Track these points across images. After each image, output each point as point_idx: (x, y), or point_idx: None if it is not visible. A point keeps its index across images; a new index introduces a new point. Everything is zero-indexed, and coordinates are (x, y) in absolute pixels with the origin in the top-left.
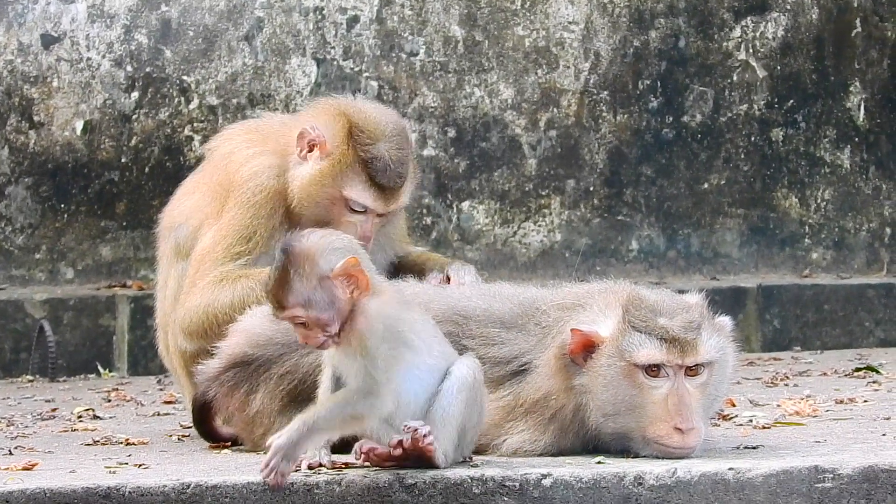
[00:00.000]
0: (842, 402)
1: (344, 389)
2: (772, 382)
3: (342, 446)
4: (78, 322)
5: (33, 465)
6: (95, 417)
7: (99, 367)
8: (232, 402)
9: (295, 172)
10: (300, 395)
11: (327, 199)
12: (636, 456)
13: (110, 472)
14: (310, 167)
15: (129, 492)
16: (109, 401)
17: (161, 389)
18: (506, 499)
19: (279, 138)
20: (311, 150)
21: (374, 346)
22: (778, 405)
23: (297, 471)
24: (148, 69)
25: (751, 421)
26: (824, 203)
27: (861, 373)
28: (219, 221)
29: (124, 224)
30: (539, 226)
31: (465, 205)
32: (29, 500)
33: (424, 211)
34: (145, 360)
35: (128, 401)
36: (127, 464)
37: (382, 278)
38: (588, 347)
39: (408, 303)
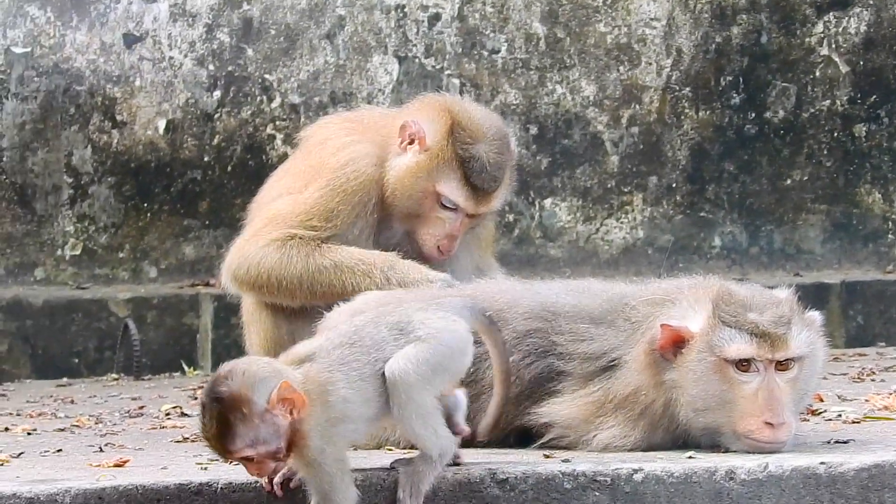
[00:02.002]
0: None
1: None
2: (858, 378)
3: None
4: (161, 321)
5: (125, 462)
6: (183, 415)
7: (183, 365)
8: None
9: (393, 163)
10: None
11: (420, 193)
12: (727, 451)
13: (202, 468)
14: (408, 159)
15: (221, 488)
16: (196, 398)
17: None
18: (597, 493)
19: (379, 129)
20: (411, 143)
21: (317, 448)
22: (866, 400)
23: None
24: (230, 68)
25: (840, 416)
26: None
27: None
28: (301, 194)
29: (207, 223)
30: (621, 223)
31: (548, 202)
32: (122, 496)
33: (507, 208)
34: (229, 358)
35: None
36: (217, 460)
37: (321, 353)
38: (678, 343)
39: (336, 364)
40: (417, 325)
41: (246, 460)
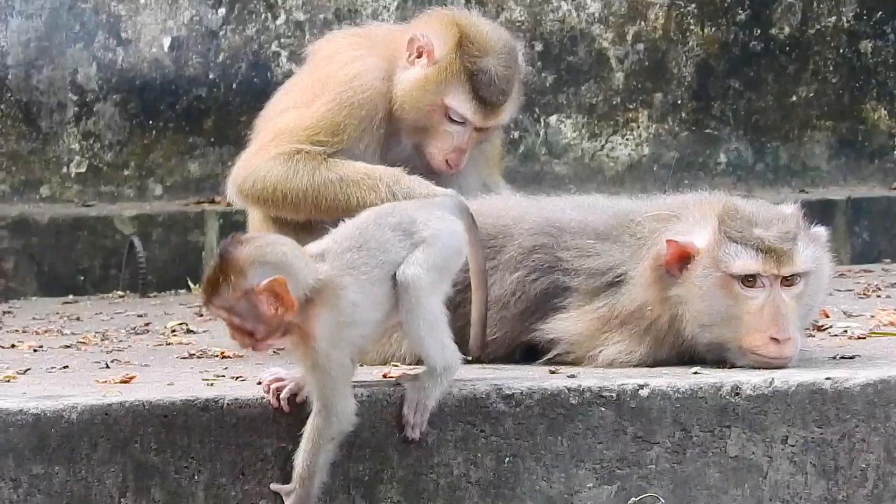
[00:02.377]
0: None
1: (310, 421)
2: (864, 294)
3: None
4: (167, 238)
5: (131, 378)
6: (189, 332)
7: (189, 283)
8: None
9: (401, 77)
10: None
11: (428, 106)
12: (732, 366)
13: (208, 384)
14: (416, 72)
15: (228, 403)
16: (201, 315)
17: None
18: (602, 409)
19: (387, 44)
20: (419, 57)
21: (322, 360)
22: (872, 316)
23: None
24: None
25: (846, 331)
26: None
27: None
28: (309, 108)
29: (212, 140)
30: (627, 139)
31: (553, 119)
32: (128, 412)
33: (512, 125)
34: None
35: None
36: (224, 376)
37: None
38: (683, 258)
39: (340, 272)
40: (420, 226)
41: (227, 323)
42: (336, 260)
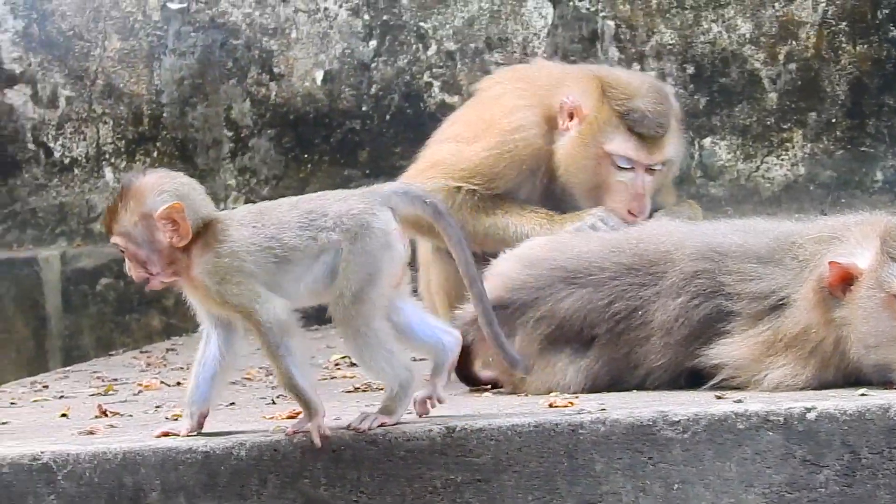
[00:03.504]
0: None
1: (257, 339)
2: None
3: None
4: None
5: (297, 414)
6: (352, 365)
7: None
8: (490, 346)
9: (559, 143)
10: (557, 339)
11: (592, 161)
12: None
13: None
14: (571, 135)
15: (396, 437)
16: None
17: None
18: (770, 433)
19: (548, 93)
20: (571, 119)
21: (217, 291)
22: None
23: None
24: (385, 17)
25: None
26: None
27: None
28: (469, 146)
29: (367, 172)
30: (782, 160)
31: (707, 141)
32: (296, 447)
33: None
34: None
35: None
36: None
37: (220, 212)
38: (846, 280)
39: (237, 225)
40: (327, 222)
41: (122, 252)
42: (237, 214)
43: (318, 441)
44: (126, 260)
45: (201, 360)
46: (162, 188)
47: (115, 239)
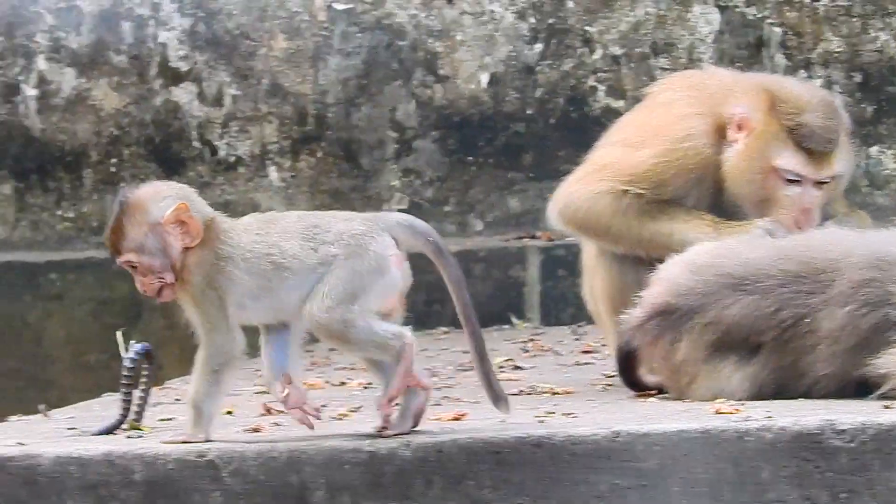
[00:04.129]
0: None
1: (198, 353)
2: None
3: None
4: (488, 273)
5: (462, 416)
6: (516, 368)
7: (511, 318)
8: (656, 351)
9: (727, 154)
10: (723, 345)
11: (759, 174)
12: None
13: (539, 421)
14: (739, 147)
15: (561, 440)
16: (527, 351)
17: (577, 339)
18: None
19: (715, 107)
20: (739, 131)
21: (200, 290)
22: None
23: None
24: (550, 20)
25: None
26: None
27: None
28: (637, 151)
29: (531, 175)
30: None
31: (874, 150)
32: (462, 449)
33: None
34: (557, 311)
35: (545, 351)
36: (554, 413)
37: (225, 217)
38: None
39: (241, 231)
40: (328, 237)
41: (133, 269)
42: (244, 220)
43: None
44: (137, 277)
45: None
46: (162, 195)
47: (126, 257)
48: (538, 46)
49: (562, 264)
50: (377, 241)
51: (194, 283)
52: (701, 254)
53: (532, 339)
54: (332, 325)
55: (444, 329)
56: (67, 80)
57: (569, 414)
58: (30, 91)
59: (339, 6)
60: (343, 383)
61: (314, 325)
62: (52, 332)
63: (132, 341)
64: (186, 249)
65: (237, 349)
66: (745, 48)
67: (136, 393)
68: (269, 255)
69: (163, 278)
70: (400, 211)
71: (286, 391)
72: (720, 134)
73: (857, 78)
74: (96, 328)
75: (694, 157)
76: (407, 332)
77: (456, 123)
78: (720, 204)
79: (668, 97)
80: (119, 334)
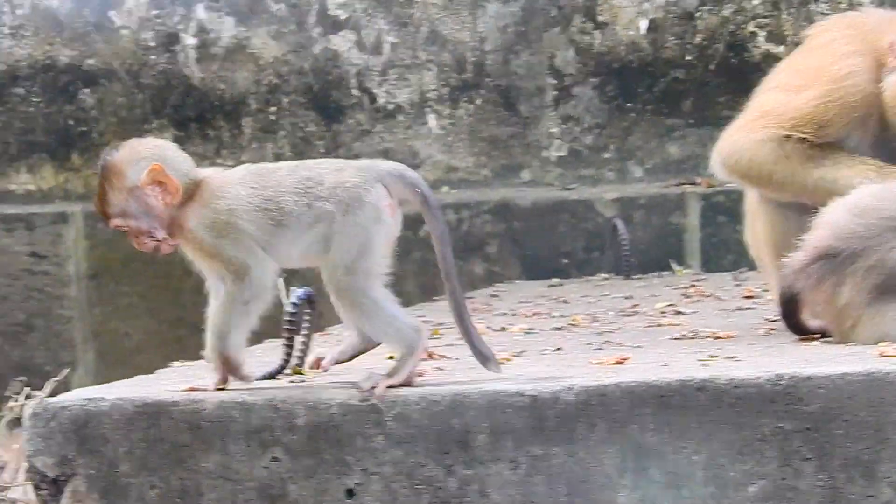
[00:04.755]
0: None
1: (224, 292)
2: None
3: None
4: (648, 220)
5: (624, 360)
6: (677, 313)
7: (672, 265)
8: (819, 295)
9: (887, 81)
10: (887, 289)
11: None
12: None
13: (702, 364)
14: None
15: (723, 384)
16: (688, 297)
17: (738, 285)
18: None
19: (875, 43)
20: None
21: (212, 244)
22: None
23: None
24: None
25: None
26: None
27: None
28: (798, 94)
29: (690, 122)
30: None
31: None
32: (625, 393)
33: None
34: (717, 257)
35: (706, 296)
36: (717, 357)
37: (210, 170)
38: None
39: (227, 189)
40: (322, 192)
41: (125, 232)
42: (234, 174)
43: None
44: (130, 238)
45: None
46: (137, 156)
47: (114, 222)
48: None
49: (722, 211)
50: (371, 193)
51: (203, 241)
52: (864, 196)
53: (693, 286)
54: (353, 293)
55: (604, 276)
56: (227, 29)
57: (731, 357)
58: (189, 40)
59: None
60: (504, 329)
61: (336, 290)
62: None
63: (293, 287)
64: (182, 209)
65: (273, 282)
66: None
67: (298, 338)
68: (268, 212)
69: (154, 237)
70: (560, 158)
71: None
72: (881, 70)
73: None
74: None
75: (856, 94)
76: (424, 328)
77: (615, 70)
78: (884, 144)
79: (826, 38)
80: (280, 281)
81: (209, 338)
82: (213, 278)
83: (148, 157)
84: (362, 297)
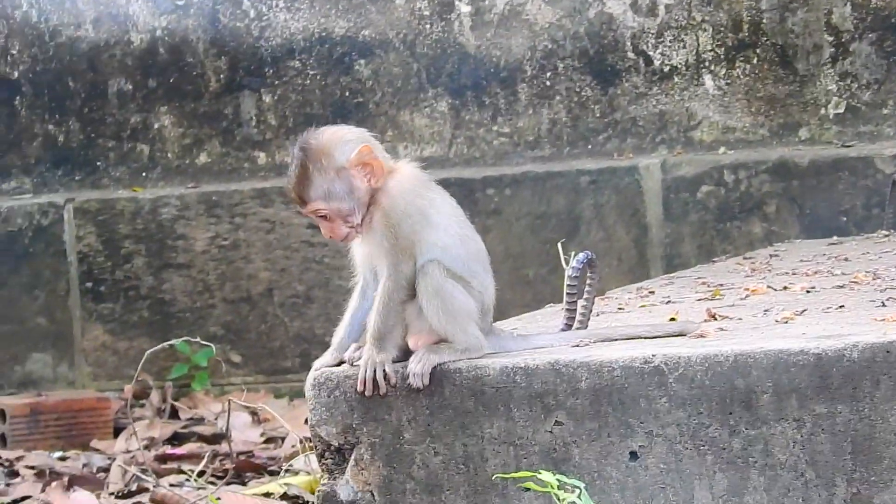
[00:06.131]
0: None
1: (380, 287)
2: None
3: None
4: None
5: None
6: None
7: None
8: None
9: None
10: None
11: None
12: None
13: None
14: None
15: None
16: None
17: None
18: None
19: None
20: None
21: (397, 221)
22: None
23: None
24: None
25: None
26: None
27: None
28: None
29: None
30: None
31: None
32: None
33: None
34: None
35: None
36: None
37: (403, 161)
38: None
39: (427, 181)
40: None
41: (320, 218)
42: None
43: (360, 385)
44: (323, 224)
45: (356, 312)
46: (343, 138)
47: (313, 205)
48: None
49: None
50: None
51: (394, 208)
52: None
53: None
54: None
55: (885, 233)
56: None
57: None
58: (464, 8)
59: None
60: (786, 287)
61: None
62: (491, 247)
63: (573, 252)
64: (377, 194)
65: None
66: None
67: (580, 302)
68: (455, 209)
69: (350, 222)
70: (837, 115)
71: None
72: None
73: None
74: (534, 242)
75: None
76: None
77: (893, 25)
78: None
79: None
80: (560, 245)
81: (371, 326)
82: (369, 273)
83: (354, 139)
84: (445, 289)
